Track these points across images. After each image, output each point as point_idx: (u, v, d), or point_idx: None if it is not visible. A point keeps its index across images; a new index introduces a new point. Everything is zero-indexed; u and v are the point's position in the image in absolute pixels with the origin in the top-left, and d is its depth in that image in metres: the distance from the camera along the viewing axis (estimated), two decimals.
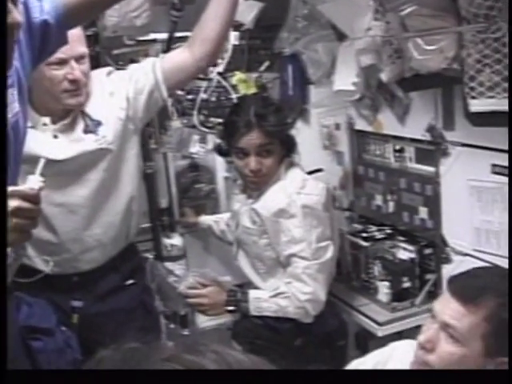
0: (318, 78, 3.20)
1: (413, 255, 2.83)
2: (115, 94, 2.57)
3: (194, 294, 2.81)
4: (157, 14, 3.08)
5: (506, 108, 2.03)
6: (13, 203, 1.49)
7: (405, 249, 2.87)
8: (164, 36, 3.06)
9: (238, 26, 3.20)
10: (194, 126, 3.36)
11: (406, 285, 2.82)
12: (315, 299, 2.65)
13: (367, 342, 3.06)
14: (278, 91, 3.53)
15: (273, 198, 2.70)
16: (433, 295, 2.74)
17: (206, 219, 3.41)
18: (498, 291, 1.68)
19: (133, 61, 2.99)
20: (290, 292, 2.64)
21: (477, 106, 2.11)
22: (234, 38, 3.26)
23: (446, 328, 1.69)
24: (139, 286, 2.82)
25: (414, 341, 1.83)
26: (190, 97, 3.34)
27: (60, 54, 2.19)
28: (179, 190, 3.51)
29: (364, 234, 3.06)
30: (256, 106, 2.74)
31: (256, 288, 2.82)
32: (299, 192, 2.67)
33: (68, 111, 2.50)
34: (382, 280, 2.84)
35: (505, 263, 2.28)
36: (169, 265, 3.24)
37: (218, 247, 3.45)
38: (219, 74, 3.33)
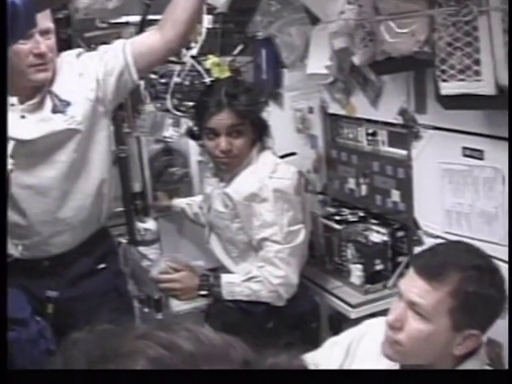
0: (291, 62, 3.20)
1: (385, 238, 2.85)
2: (84, 75, 2.54)
3: (166, 279, 2.79)
4: None
5: (476, 91, 2.04)
6: None
7: (377, 231, 2.89)
8: (137, 19, 3.04)
9: (211, 10, 3.17)
10: (167, 110, 3.35)
11: (379, 267, 2.84)
12: (287, 283, 2.66)
13: (340, 324, 3.08)
14: (251, 75, 3.52)
15: (245, 182, 2.70)
16: None
17: (179, 202, 3.41)
18: (460, 266, 1.70)
19: (105, 44, 2.97)
20: (262, 276, 2.65)
21: (447, 88, 2.12)
22: (207, 21, 3.24)
23: (413, 306, 1.71)
24: (111, 269, 2.80)
25: None
26: (163, 80, 3.33)
27: None
28: (152, 174, 3.50)
29: (337, 217, 3.07)
30: (227, 86, 2.74)
31: (229, 272, 2.83)
32: (271, 176, 2.67)
33: (35, 91, 2.47)
34: (355, 263, 2.86)
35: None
36: (143, 249, 3.23)
37: (192, 231, 3.45)
38: (193, 57, 3.32)
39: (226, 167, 2.76)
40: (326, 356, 2.11)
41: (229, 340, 0.78)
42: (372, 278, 2.84)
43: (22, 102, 2.46)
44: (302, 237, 2.71)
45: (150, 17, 2.96)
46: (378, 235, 2.87)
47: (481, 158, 2.33)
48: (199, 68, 3.32)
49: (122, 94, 2.69)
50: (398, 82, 2.66)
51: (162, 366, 0.70)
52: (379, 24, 2.34)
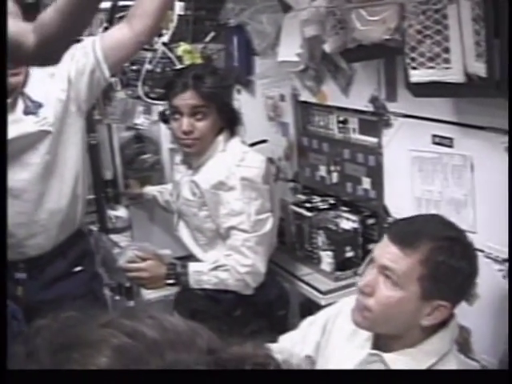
0: (262, 49, 3.20)
1: (356, 225, 2.87)
2: (56, 75, 2.51)
3: (133, 268, 2.77)
4: None
5: (445, 78, 2.05)
6: None
7: (348, 219, 2.90)
8: (107, 5, 3.01)
9: None
10: (138, 97, 3.33)
11: (349, 254, 2.85)
12: (255, 271, 2.66)
13: (311, 311, 3.09)
14: (223, 62, 3.52)
15: (212, 171, 2.69)
16: None
17: (150, 190, 3.41)
18: (433, 236, 1.73)
19: None
20: (229, 264, 2.65)
21: (417, 76, 2.13)
22: (179, 8, 3.22)
23: (384, 271, 1.73)
24: (88, 272, 2.77)
25: None
26: (134, 67, 3.30)
27: None
28: (124, 162, 3.49)
29: (308, 205, 3.08)
30: (196, 68, 2.76)
31: (197, 260, 2.82)
32: (238, 164, 2.66)
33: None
34: (326, 250, 2.87)
35: None
36: (114, 237, 3.22)
37: (163, 218, 3.44)
38: (164, 44, 3.29)
39: (189, 150, 2.75)
40: (303, 335, 2.14)
41: (194, 327, 0.77)
42: (342, 264, 2.85)
43: None
44: (269, 225, 2.71)
45: (121, 3, 2.95)
46: (348, 222, 2.88)
47: (450, 146, 2.35)
48: (171, 55, 3.31)
49: (95, 93, 2.65)
50: (368, 69, 2.67)
51: (126, 355, 0.70)
52: (350, 12, 2.35)
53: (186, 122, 2.67)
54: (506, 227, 2.15)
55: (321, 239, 2.90)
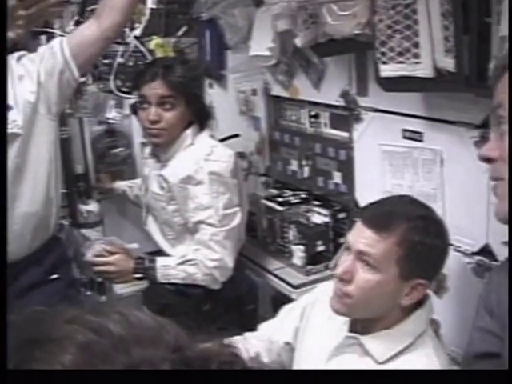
0: (235, 44, 3.20)
1: (327, 219, 2.87)
2: (25, 78, 2.47)
3: (101, 262, 2.75)
4: None
5: (415, 73, 2.07)
6: None
7: (319, 213, 2.91)
8: None
9: None
10: (110, 91, 3.32)
11: (320, 248, 2.86)
12: (223, 266, 2.66)
13: (283, 305, 3.10)
14: (195, 56, 3.51)
15: (180, 165, 2.68)
16: None
17: (120, 185, 3.39)
18: (406, 216, 1.75)
19: (47, 23, 2.92)
20: (197, 259, 2.63)
21: (387, 71, 2.14)
22: (151, 1, 3.20)
23: (362, 256, 1.75)
24: (64, 280, 2.72)
25: None
26: (106, 61, 3.29)
27: None
28: (95, 156, 3.47)
29: (279, 199, 3.09)
30: (166, 59, 2.76)
31: (166, 254, 2.81)
32: (207, 159, 2.65)
33: None
34: (297, 244, 2.88)
35: None
36: (85, 231, 3.20)
37: (134, 213, 3.42)
38: (136, 38, 3.28)
39: (156, 140, 2.73)
40: (281, 322, 2.17)
41: (162, 323, 0.77)
42: (314, 259, 2.86)
43: None
44: (237, 220, 2.70)
45: None
46: (319, 216, 2.89)
47: (420, 140, 2.37)
48: (143, 49, 3.29)
49: (65, 94, 2.61)
50: (340, 64, 2.68)
51: (91, 351, 0.69)
52: (321, 6, 2.36)
53: (153, 112, 2.66)
54: (474, 221, 2.17)
55: (292, 233, 2.91)
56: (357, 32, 2.25)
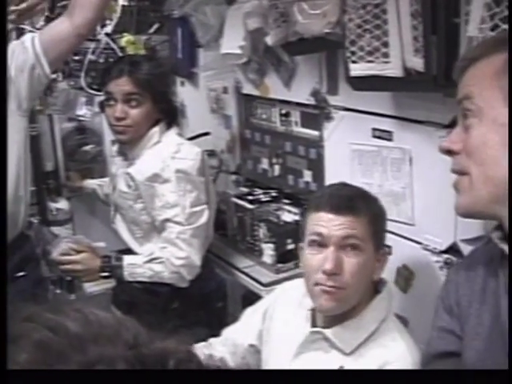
0: (206, 41, 3.20)
1: (297, 217, 2.88)
2: None
3: (67, 261, 2.74)
4: None
5: (384, 72, 2.08)
6: None
7: (289, 211, 2.92)
8: None
9: None
10: (81, 88, 3.31)
11: (290, 247, 2.86)
12: (190, 264, 2.65)
13: (253, 303, 3.10)
14: (167, 54, 3.51)
15: (147, 163, 2.67)
16: None
17: (90, 183, 3.37)
18: (361, 195, 1.89)
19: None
20: (164, 257, 2.63)
21: (357, 70, 2.15)
22: None
23: (346, 241, 1.79)
24: (31, 278, 2.70)
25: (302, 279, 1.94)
26: (77, 58, 3.28)
27: None
28: (65, 153, 3.45)
29: (250, 197, 3.09)
30: (133, 56, 2.74)
31: (134, 253, 2.80)
32: (173, 157, 2.64)
33: None
34: (267, 242, 2.88)
35: None
36: (55, 229, 3.18)
37: (104, 211, 3.41)
38: (107, 35, 3.28)
39: (121, 137, 2.72)
40: (245, 325, 2.18)
41: (121, 320, 0.76)
42: (284, 257, 2.86)
43: None
44: (205, 218, 2.70)
45: None
46: (289, 215, 2.90)
47: (389, 139, 2.38)
48: (114, 46, 3.30)
49: (36, 90, 2.59)
50: (310, 63, 2.69)
51: (48, 350, 0.69)
52: (292, 5, 2.36)
53: (119, 108, 2.65)
54: (442, 219, 2.19)
55: (262, 231, 2.91)
56: (327, 31, 2.25)
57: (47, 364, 0.67)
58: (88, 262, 2.71)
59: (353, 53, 2.15)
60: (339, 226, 1.78)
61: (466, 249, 2.13)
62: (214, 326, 2.33)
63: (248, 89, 3.15)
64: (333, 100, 2.63)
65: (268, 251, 2.88)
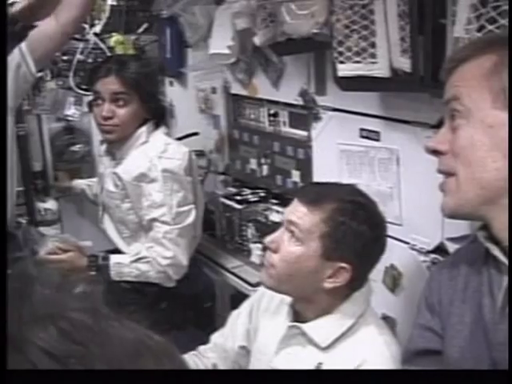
0: (195, 41, 3.20)
1: None
2: None
3: (54, 260, 2.74)
4: None
5: (371, 73, 2.09)
6: None
7: (277, 211, 2.91)
8: None
9: None
10: (69, 88, 3.31)
11: None
12: (176, 263, 2.66)
13: (242, 303, 3.11)
14: (156, 54, 3.51)
15: (134, 162, 2.68)
16: None
17: (79, 183, 3.37)
18: (338, 198, 1.80)
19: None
20: (150, 257, 2.64)
21: (344, 70, 2.16)
22: None
23: (290, 226, 1.80)
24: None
25: None
26: (65, 58, 3.28)
27: None
28: (53, 153, 3.45)
29: (238, 197, 3.10)
30: (121, 56, 2.75)
31: (122, 253, 2.81)
32: (160, 156, 2.65)
33: None
34: (255, 242, 2.89)
35: None
36: (43, 229, 3.18)
37: (93, 211, 3.40)
38: (96, 35, 3.28)
39: (109, 136, 2.73)
40: (231, 328, 2.17)
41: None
42: None
43: None
44: (192, 217, 2.70)
45: None
46: (278, 215, 2.90)
47: (377, 139, 2.39)
48: (102, 46, 3.30)
49: (22, 89, 2.59)
50: (298, 63, 2.69)
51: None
52: (280, 5, 2.36)
53: (106, 108, 2.66)
54: (430, 219, 2.19)
55: (250, 231, 2.92)
56: (315, 31, 2.26)
57: None
58: (75, 261, 2.70)
59: (340, 53, 2.15)
60: (294, 212, 1.81)
61: (452, 248, 2.14)
62: (203, 326, 2.33)
63: (236, 89, 3.15)
64: (321, 100, 2.63)
65: (256, 251, 2.89)
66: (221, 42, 2.80)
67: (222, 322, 2.28)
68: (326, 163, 2.65)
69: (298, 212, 1.80)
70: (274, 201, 3.00)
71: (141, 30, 3.46)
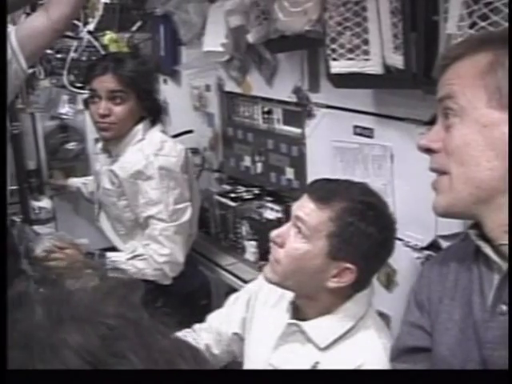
0: (188, 39, 3.20)
1: (279, 215, 2.87)
2: None
3: (50, 257, 2.73)
4: None
5: (364, 70, 2.09)
6: None
7: (272, 209, 2.91)
8: None
9: None
10: (63, 86, 3.30)
11: None
12: (173, 261, 2.66)
13: None
14: (149, 52, 3.50)
15: (130, 160, 2.68)
16: None
17: (74, 181, 3.37)
18: (348, 197, 1.76)
19: None
20: (147, 254, 2.64)
21: (337, 67, 2.16)
22: None
23: (297, 222, 1.76)
24: (10, 272, 2.68)
25: None
26: (59, 56, 3.27)
27: None
28: (48, 152, 3.44)
29: (232, 195, 3.10)
30: (117, 53, 2.75)
31: (118, 250, 2.81)
32: (156, 153, 2.65)
33: None
34: (249, 239, 2.89)
35: None
36: (38, 228, 3.17)
37: (88, 209, 3.40)
38: (90, 33, 3.27)
39: (105, 133, 2.73)
40: (228, 312, 2.17)
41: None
42: (266, 254, 2.83)
43: None
44: (188, 215, 2.71)
45: None
46: (272, 212, 2.90)
47: (370, 136, 2.39)
48: (96, 44, 3.29)
49: (13, 85, 2.59)
50: (292, 60, 2.69)
51: None
52: (273, 2, 2.36)
53: (103, 105, 2.66)
54: (423, 216, 2.19)
55: (245, 229, 2.92)
56: (308, 28, 2.26)
57: None
58: (71, 259, 2.71)
59: (333, 50, 2.16)
60: (302, 208, 1.77)
61: (446, 245, 2.15)
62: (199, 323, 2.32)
63: (230, 86, 3.15)
64: (314, 97, 2.63)
65: (250, 249, 2.89)
66: (214, 40, 2.80)
67: None
68: (320, 160, 2.65)
69: (305, 208, 1.76)
70: (269, 198, 3.00)
71: (134, 28, 3.46)
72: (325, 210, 1.74)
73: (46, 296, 0.75)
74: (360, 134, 2.43)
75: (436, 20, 1.86)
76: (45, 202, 3.32)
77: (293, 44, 2.47)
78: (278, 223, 2.82)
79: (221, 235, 3.12)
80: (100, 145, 2.89)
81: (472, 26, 1.70)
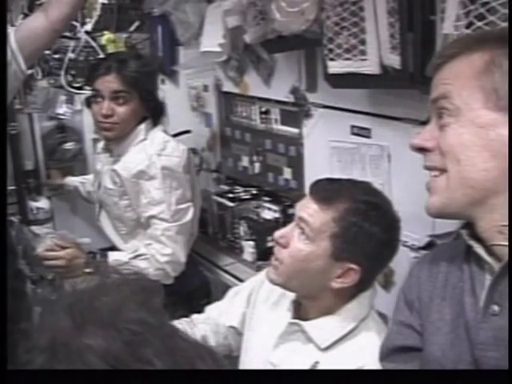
0: (186, 39, 3.19)
1: (277, 215, 2.89)
2: None
3: (52, 256, 2.73)
4: None
5: (361, 70, 2.10)
6: None
7: (269, 209, 2.92)
8: None
9: None
10: (61, 86, 3.30)
11: (271, 244, 2.85)
12: (175, 260, 2.66)
13: None
14: (147, 52, 3.50)
15: (133, 159, 2.67)
16: None
17: (72, 180, 3.36)
18: (351, 197, 1.75)
19: None
20: (149, 254, 2.63)
21: (335, 67, 2.17)
22: None
23: (300, 223, 1.76)
24: (8, 270, 2.69)
25: None
26: (57, 56, 3.27)
27: None
28: (45, 152, 3.43)
29: (230, 195, 3.10)
30: (120, 53, 2.76)
31: (119, 250, 2.81)
32: (159, 153, 2.65)
33: None
34: (247, 239, 2.89)
35: None
36: (35, 228, 3.16)
37: (85, 209, 3.40)
38: (87, 33, 3.27)
39: (108, 133, 2.73)
40: (228, 305, 2.18)
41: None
42: (264, 254, 2.85)
43: None
44: (190, 215, 2.71)
45: None
46: (269, 212, 2.91)
47: (368, 136, 2.39)
48: (94, 44, 3.28)
49: (12, 86, 2.59)
50: (289, 60, 2.69)
51: None
52: (270, 2, 2.36)
53: (106, 106, 2.65)
54: (420, 216, 2.19)
55: (243, 229, 2.92)
56: (305, 29, 2.26)
57: None
58: (73, 258, 2.70)
59: (330, 50, 2.16)
60: (305, 209, 1.77)
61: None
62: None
63: (228, 87, 3.16)
64: (312, 97, 2.64)
65: (248, 249, 2.89)
66: (212, 40, 2.80)
67: None
68: (318, 160, 2.65)
69: (308, 209, 1.76)
70: (266, 198, 3.01)
71: (132, 28, 3.45)
72: (328, 210, 1.74)
73: (70, 301, 0.75)
74: (357, 134, 2.44)
75: (433, 20, 1.87)
76: (43, 203, 3.31)
77: (290, 44, 2.47)
78: (276, 223, 2.84)
79: (219, 235, 3.12)
80: (101, 144, 2.89)
81: (469, 25, 1.70)
